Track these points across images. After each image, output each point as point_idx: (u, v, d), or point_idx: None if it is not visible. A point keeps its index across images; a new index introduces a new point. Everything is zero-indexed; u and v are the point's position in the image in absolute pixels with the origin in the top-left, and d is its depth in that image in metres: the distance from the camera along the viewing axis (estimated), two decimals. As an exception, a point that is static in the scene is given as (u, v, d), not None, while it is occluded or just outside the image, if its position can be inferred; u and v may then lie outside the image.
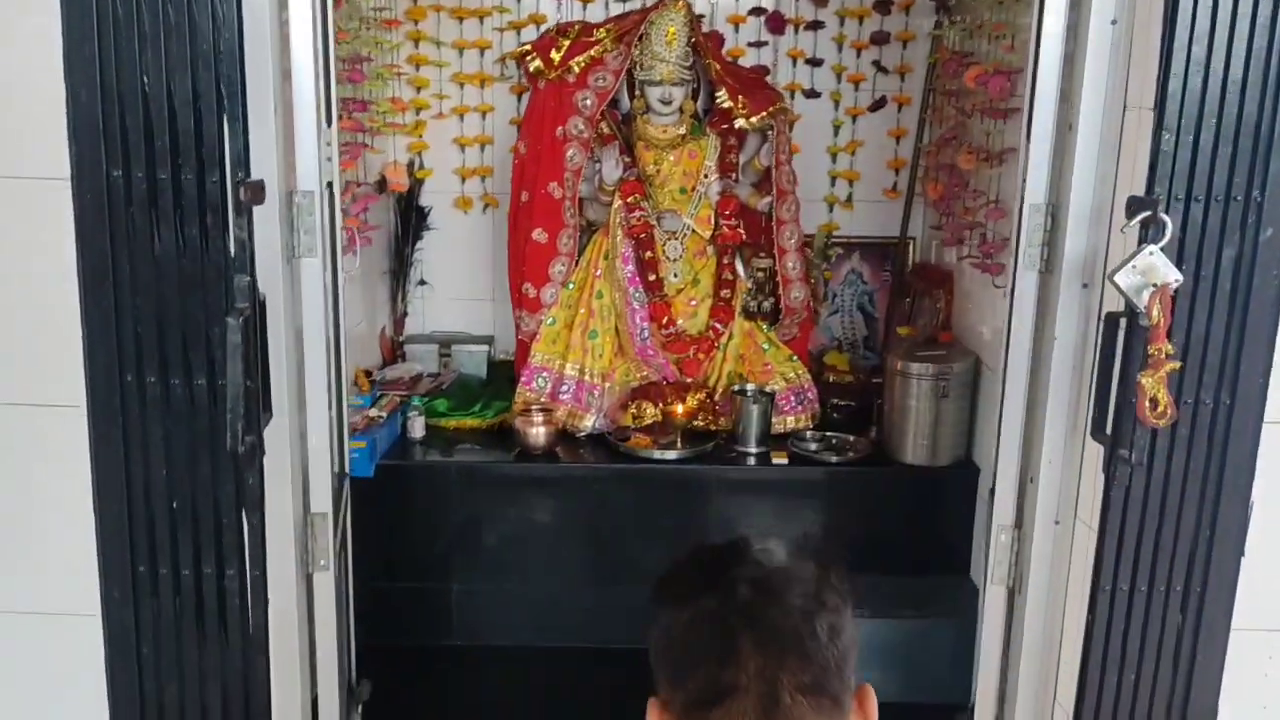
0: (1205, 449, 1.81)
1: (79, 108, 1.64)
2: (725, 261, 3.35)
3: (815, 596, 0.99)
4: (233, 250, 1.71)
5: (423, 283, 3.74)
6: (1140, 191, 1.74)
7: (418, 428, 3.21)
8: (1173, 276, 1.72)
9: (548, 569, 3.13)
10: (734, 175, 3.34)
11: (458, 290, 3.74)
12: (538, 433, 3.12)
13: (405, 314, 3.72)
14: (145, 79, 1.66)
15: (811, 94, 3.62)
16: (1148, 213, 1.72)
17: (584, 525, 3.13)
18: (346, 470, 2.68)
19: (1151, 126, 1.73)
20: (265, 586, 1.87)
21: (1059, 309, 1.94)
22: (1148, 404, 1.72)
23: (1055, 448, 2.00)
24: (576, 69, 3.21)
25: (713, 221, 3.33)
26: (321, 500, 2.10)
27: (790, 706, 0.96)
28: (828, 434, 3.26)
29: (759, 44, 3.58)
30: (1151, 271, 1.72)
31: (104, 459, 1.78)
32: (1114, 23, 1.82)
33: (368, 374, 3.32)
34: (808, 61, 3.60)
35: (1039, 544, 2.04)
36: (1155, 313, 1.70)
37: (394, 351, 3.64)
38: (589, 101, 3.22)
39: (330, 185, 2.51)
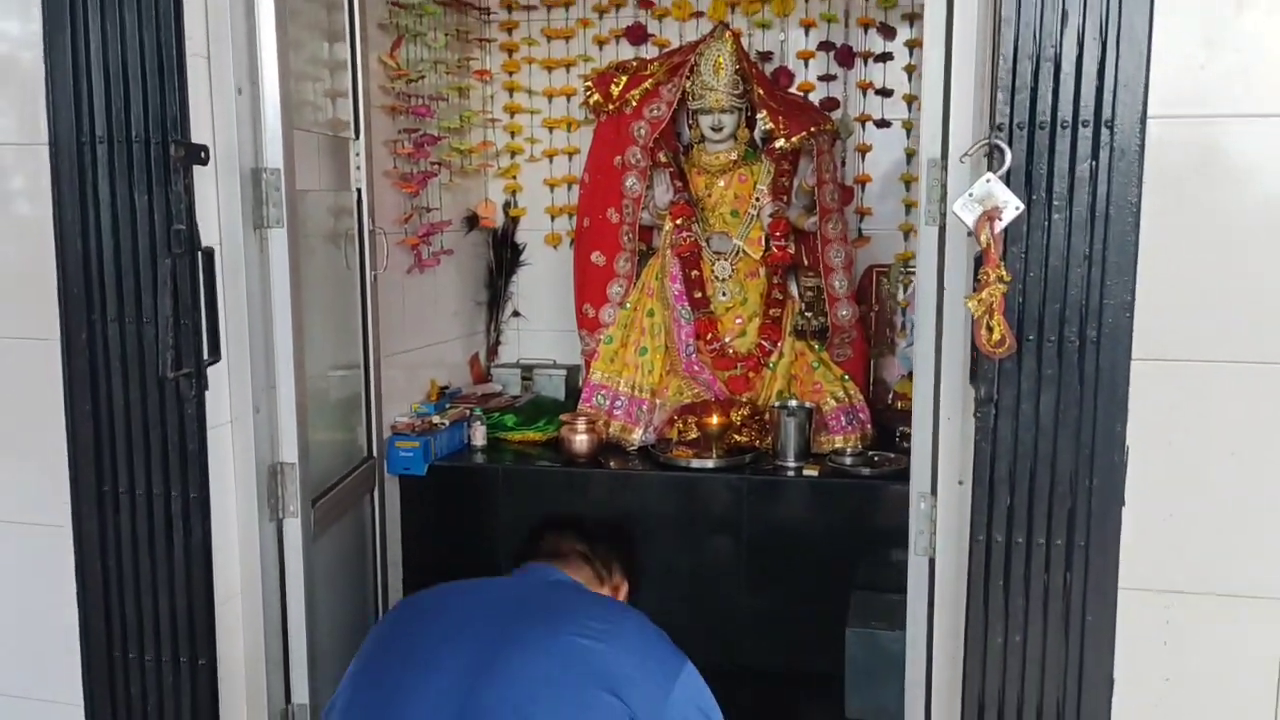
0: (1077, 390, 1.72)
1: (56, 86, 2.00)
2: (775, 281, 3.40)
3: (578, 539, 2.07)
4: (170, 203, 1.99)
5: (516, 314, 4.00)
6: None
7: (478, 435, 3.42)
8: (1012, 203, 1.68)
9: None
10: (786, 198, 3.41)
11: (549, 322, 3.96)
12: (581, 440, 3.25)
13: (499, 342, 3.98)
14: (107, 64, 1.99)
15: (882, 124, 3.64)
16: (983, 140, 1.70)
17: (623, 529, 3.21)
18: (374, 454, 2.92)
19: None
20: (207, 506, 2.10)
21: (947, 259, 1.91)
22: (984, 333, 1.67)
23: (953, 404, 1.94)
24: (633, 101, 3.41)
25: (764, 243, 3.40)
26: (289, 451, 2.33)
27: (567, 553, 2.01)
28: (870, 452, 3.20)
29: (828, 78, 3.66)
30: (989, 199, 1.69)
31: (76, 388, 2.08)
32: (979, -35, 1.82)
33: (444, 388, 3.57)
34: (878, 92, 3.64)
35: (943, 506, 1.96)
36: (983, 237, 1.67)
37: (484, 375, 3.90)
38: (643, 131, 3.40)
39: (359, 190, 2.84)
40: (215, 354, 2.12)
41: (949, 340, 1.93)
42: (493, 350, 3.97)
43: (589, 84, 3.49)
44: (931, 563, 2.05)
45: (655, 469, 3.21)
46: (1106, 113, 1.66)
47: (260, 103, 2.22)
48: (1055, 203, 1.70)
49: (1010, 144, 1.69)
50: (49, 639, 2.15)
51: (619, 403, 3.40)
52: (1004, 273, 1.66)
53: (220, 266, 2.16)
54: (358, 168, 2.82)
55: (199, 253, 2.05)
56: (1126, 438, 1.71)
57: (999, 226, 1.67)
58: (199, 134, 2.08)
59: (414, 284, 3.40)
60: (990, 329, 1.66)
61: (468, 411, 3.48)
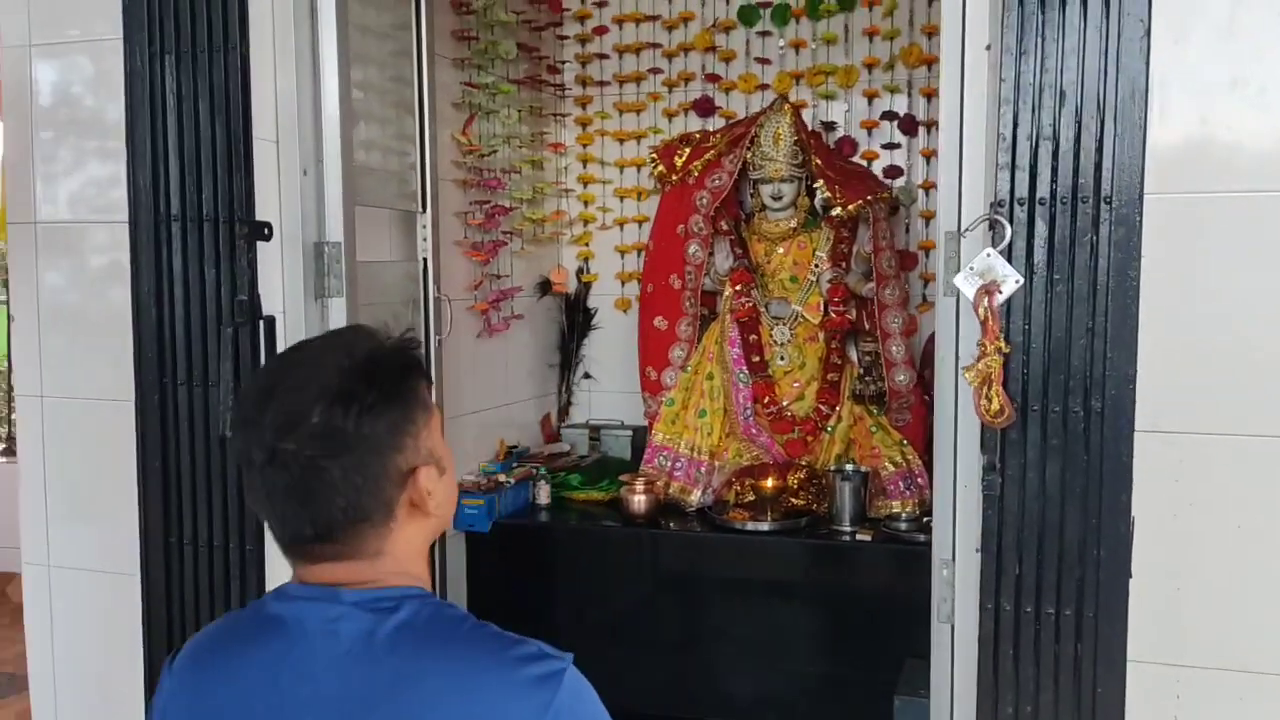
0: (1082, 460, 1.74)
1: (136, 169, 2.20)
2: (833, 346, 3.45)
3: (321, 448, 1.03)
4: (235, 276, 2.17)
5: (588, 376, 4.11)
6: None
7: (542, 494, 3.52)
8: (1012, 277, 1.72)
9: (645, 632, 3.28)
10: (845, 264, 3.46)
11: (618, 384, 4.06)
12: (639, 500, 3.33)
13: (570, 403, 4.09)
14: (183, 149, 2.19)
15: (946, 190, 3.67)
16: (983, 216, 1.75)
17: (677, 590, 3.27)
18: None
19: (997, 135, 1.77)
20: (261, 559, 2.24)
21: (959, 330, 1.95)
22: (983, 403, 1.71)
23: (969, 472, 1.96)
24: (696, 172, 3.52)
25: (822, 308, 3.46)
26: (344, 506, 2.46)
27: (329, 544, 1.08)
28: (925, 518, 3.19)
29: (892, 146, 3.72)
30: (990, 273, 1.73)
31: (148, 446, 2.26)
32: (988, 47, 1.88)
33: (513, 448, 3.70)
34: (941, 159, 3.67)
35: (961, 574, 1.98)
36: (981, 310, 1.71)
37: (555, 435, 4.01)
38: (705, 200, 3.51)
39: (425, 260, 3.00)
40: (274, 415, 2.27)
41: (965, 410, 1.95)
42: (564, 411, 4.09)
43: (654, 156, 3.61)
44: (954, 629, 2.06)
45: (712, 531, 3.27)
46: (1105, 189, 1.70)
47: (324, 182, 2.39)
48: (1056, 276, 1.73)
49: (1011, 219, 1.74)
50: (116, 681, 2.31)
51: (679, 464, 3.47)
52: (1003, 344, 1.70)
53: (283, 333, 2.32)
54: (424, 239, 2.98)
55: (260, 321, 2.21)
56: (1132, 509, 1.71)
57: (998, 299, 1.72)
58: (267, 211, 2.25)
59: (485, 347, 3.55)
60: (989, 399, 1.70)
61: (533, 471, 3.59)
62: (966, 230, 1.79)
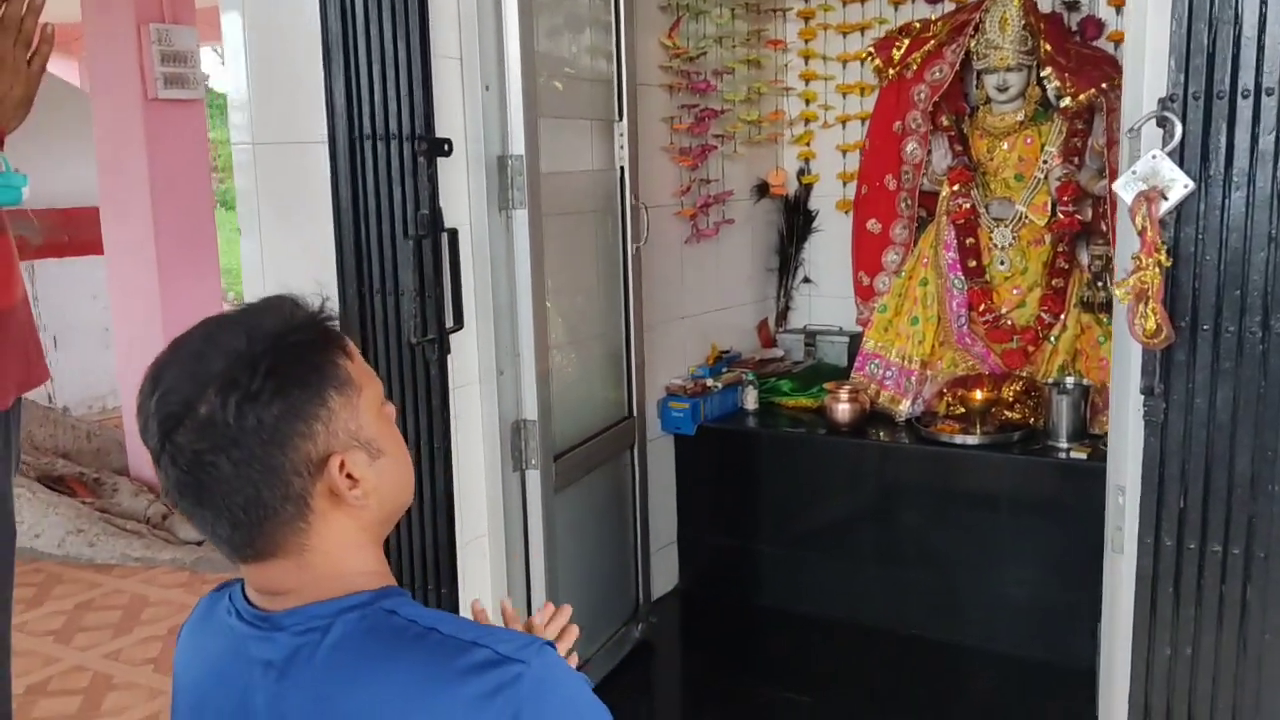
0: (1259, 385, 1.56)
1: (333, 93, 2.34)
2: (1061, 250, 3.21)
3: (205, 442, 0.97)
4: (418, 190, 2.28)
5: (807, 280, 4.05)
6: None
7: (749, 400, 3.54)
8: (1180, 181, 1.55)
9: (846, 540, 3.26)
10: (1077, 160, 3.20)
11: (839, 288, 3.96)
12: (843, 409, 3.28)
13: (788, 308, 4.05)
14: (371, 73, 2.31)
15: (1204, 73, 3.29)
16: (1150, 114, 1.57)
17: (880, 501, 3.22)
18: (633, 413, 3.14)
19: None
20: (449, 456, 2.39)
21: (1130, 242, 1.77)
22: (1138, 322, 1.56)
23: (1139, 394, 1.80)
24: (915, 65, 3.34)
25: (1049, 208, 3.22)
26: (530, 409, 2.59)
27: (248, 545, 1.02)
28: (1153, 435, 2.96)
29: (1142, 25, 3.35)
30: (1155, 177, 1.57)
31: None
32: (1176, -82, 1.66)
33: (724, 352, 3.72)
34: (1200, 38, 3.29)
35: (1130, 503, 1.84)
36: (1139, 219, 1.55)
37: (772, 341, 4.00)
38: (923, 94, 3.33)
39: (622, 169, 3.04)
40: (459, 322, 2.40)
41: (1138, 327, 1.79)
42: (782, 316, 4.05)
43: (871, 50, 3.45)
44: (1128, 561, 1.93)
45: (918, 442, 3.18)
46: (1295, 79, 1.48)
47: (506, 97, 2.47)
48: (1235, 179, 1.54)
49: (1185, 116, 1.55)
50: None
51: (889, 373, 3.38)
52: (1162, 256, 1.54)
53: (471, 244, 2.43)
54: (621, 147, 3.01)
55: (443, 233, 2.32)
56: (1312, 443, 1.53)
57: (1164, 207, 1.55)
58: (451, 127, 2.35)
59: (694, 253, 3.56)
60: (1145, 317, 1.55)
61: (742, 376, 3.60)
62: (1131, 130, 1.61)
